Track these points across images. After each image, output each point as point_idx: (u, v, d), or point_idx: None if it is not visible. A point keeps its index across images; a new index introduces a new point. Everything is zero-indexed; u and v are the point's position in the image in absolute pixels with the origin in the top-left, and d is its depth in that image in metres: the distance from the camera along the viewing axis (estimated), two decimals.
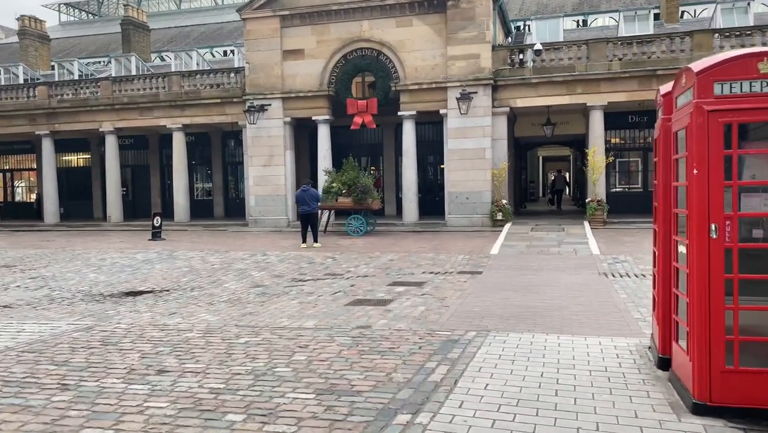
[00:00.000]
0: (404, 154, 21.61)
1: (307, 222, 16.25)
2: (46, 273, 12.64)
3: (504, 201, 20.17)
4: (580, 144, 26.54)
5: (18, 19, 33.70)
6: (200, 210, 26.71)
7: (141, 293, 10.27)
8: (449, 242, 16.76)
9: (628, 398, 4.52)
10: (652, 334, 5.88)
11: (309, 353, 5.93)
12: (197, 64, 28.88)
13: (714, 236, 4.06)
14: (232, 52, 30.73)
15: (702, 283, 4.10)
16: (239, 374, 5.35)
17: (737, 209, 4.07)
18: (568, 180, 32.92)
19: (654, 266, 5.77)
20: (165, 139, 26.40)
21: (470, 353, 5.74)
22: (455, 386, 4.82)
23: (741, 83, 4.01)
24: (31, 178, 31.68)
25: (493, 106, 20.32)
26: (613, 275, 10.82)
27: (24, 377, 5.43)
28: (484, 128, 20.27)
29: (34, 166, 30.42)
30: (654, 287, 5.76)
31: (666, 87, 5.18)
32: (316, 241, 16.21)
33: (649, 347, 5.87)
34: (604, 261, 12.45)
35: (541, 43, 20.44)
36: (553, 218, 22.30)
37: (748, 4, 22.53)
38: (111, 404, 4.67)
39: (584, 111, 21.29)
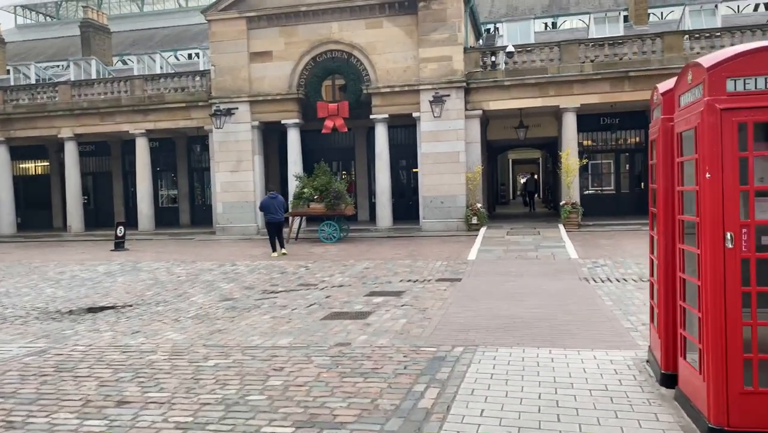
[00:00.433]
0: (377, 158, 21.20)
1: (276, 230, 15.77)
2: None
3: (479, 205, 19.92)
4: (552, 147, 26.52)
5: None
6: (166, 218, 25.87)
7: (102, 309, 9.64)
8: (425, 247, 16.40)
9: (637, 423, 4.16)
10: (649, 346, 5.56)
11: (285, 377, 5.45)
12: (161, 67, 28.05)
13: (729, 246, 3.73)
14: (198, 55, 29.95)
15: (717, 297, 3.76)
16: (208, 404, 4.85)
17: (754, 216, 3.74)
18: (538, 183, 32.93)
19: (651, 275, 5.45)
20: (128, 145, 25.51)
21: (460, 373, 5.34)
22: (448, 413, 4.40)
23: (756, 79, 3.69)
24: None
25: (466, 109, 20.06)
26: (595, 280, 10.58)
27: None
28: (458, 131, 19.99)
29: None
30: (651, 297, 5.44)
31: (665, 85, 4.87)
32: (282, 246, 15.73)
33: (647, 361, 5.55)
34: (583, 265, 12.21)
35: (513, 45, 20.27)
36: (527, 221, 22.13)
37: (716, 6, 22.77)
38: None
39: (556, 113, 21.19)
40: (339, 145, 24.75)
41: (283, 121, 21.56)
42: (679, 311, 4.46)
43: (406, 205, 23.04)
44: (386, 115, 20.66)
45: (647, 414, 4.30)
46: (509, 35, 23.78)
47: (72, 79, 26.94)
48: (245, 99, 21.61)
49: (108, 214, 26.46)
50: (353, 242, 18.35)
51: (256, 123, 21.77)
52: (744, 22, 22.82)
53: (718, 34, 18.88)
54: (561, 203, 19.78)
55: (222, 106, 21.51)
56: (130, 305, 9.80)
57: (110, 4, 42.64)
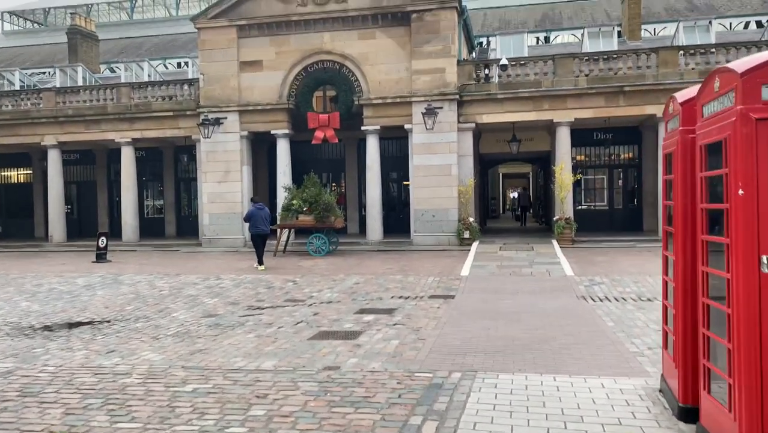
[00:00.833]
0: (368, 170, 20.82)
1: (262, 242, 15.34)
2: None
3: (471, 219, 19.56)
4: (544, 161, 26.31)
5: None
6: (151, 229, 25.26)
7: (78, 324, 9.13)
8: (417, 262, 15.99)
9: None
10: (662, 375, 5.18)
11: (268, 406, 5.00)
12: (149, 75, 27.57)
13: (766, 270, 3.36)
14: (186, 64, 29.52)
15: (751, 327, 3.39)
16: None
17: None
18: (530, 197, 32.71)
19: (664, 298, 5.09)
20: (113, 153, 24.96)
21: (459, 403, 4.92)
22: None
23: None
24: None
25: (459, 122, 19.76)
26: (593, 299, 10.23)
27: None
28: (450, 144, 19.67)
29: None
30: (665, 322, 5.08)
31: (684, 94, 4.53)
32: (261, 263, 15.21)
33: (660, 390, 5.17)
34: (580, 283, 11.86)
35: (507, 58, 20.04)
36: (519, 236, 21.81)
37: (710, 22, 22.72)
38: None
39: (550, 128, 20.95)
40: (329, 156, 24.36)
41: (272, 132, 21.15)
42: (702, 340, 4.08)
43: (397, 219, 22.64)
44: (378, 127, 20.32)
45: None
46: (502, 49, 23.58)
47: (57, 85, 26.39)
48: (234, 108, 21.19)
49: (92, 225, 25.82)
50: (343, 256, 17.90)
51: (245, 133, 21.34)
52: (737, 38, 22.80)
53: (713, 50, 18.75)
54: (554, 219, 19.47)
55: (210, 116, 21.08)
56: (108, 321, 9.30)
57: (99, 12, 42.17)
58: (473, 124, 19.93)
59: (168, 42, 34.64)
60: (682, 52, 18.87)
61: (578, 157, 22.41)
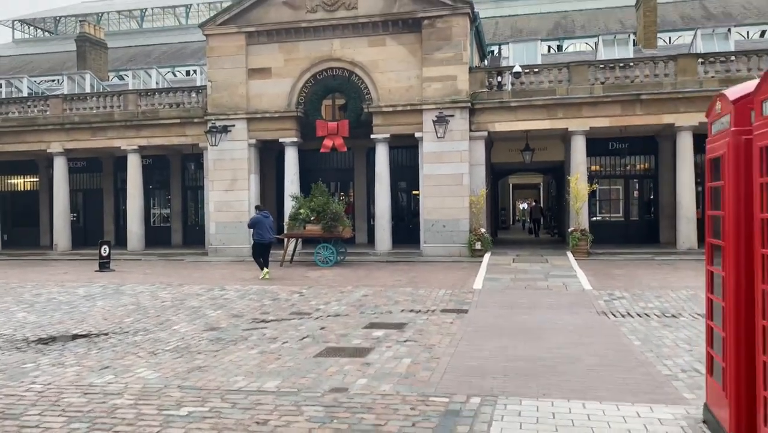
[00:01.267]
0: (377, 180, 20.38)
1: (264, 251, 15.08)
2: None
3: (482, 230, 19.05)
4: (557, 171, 25.79)
5: None
6: (157, 238, 24.91)
7: (74, 337, 8.70)
8: (427, 273, 15.48)
9: None
10: (706, 403, 4.67)
11: None
12: (157, 83, 27.35)
13: None
14: (195, 71, 29.32)
15: None
16: None
17: None
18: (543, 210, 32.18)
19: (709, 318, 4.59)
20: (120, 161, 24.70)
21: None
22: None
23: None
24: None
25: (471, 130, 19.31)
26: (614, 315, 9.70)
27: None
28: (462, 153, 19.22)
29: None
30: (710, 345, 4.57)
31: (736, 91, 4.05)
32: (266, 266, 14.99)
33: (704, 421, 4.65)
34: (599, 298, 11.32)
35: (520, 65, 19.60)
36: (532, 248, 21.27)
37: (729, 30, 22.22)
38: None
39: (564, 137, 20.47)
40: (338, 165, 23.97)
41: (281, 140, 20.79)
42: (761, 369, 3.58)
43: (407, 229, 22.17)
44: (387, 135, 19.90)
45: None
46: (515, 56, 23.15)
47: (65, 93, 26.20)
48: (242, 116, 20.85)
49: (97, 233, 25.49)
50: (351, 267, 17.43)
51: (253, 141, 20.99)
52: (755, 47, 22.27)
53: (733, 58, 18.24)
54: (569, 230, 18.92)
55: (218, 123, 20.76)
56: (106, 334, 8.86)
57: (110, 21, 42.18)
58: (485, 133, 19.48)
59: (177, 50, 34.51)
60: (701, 59, 18.36)
61: (593, 167, 21.88)
